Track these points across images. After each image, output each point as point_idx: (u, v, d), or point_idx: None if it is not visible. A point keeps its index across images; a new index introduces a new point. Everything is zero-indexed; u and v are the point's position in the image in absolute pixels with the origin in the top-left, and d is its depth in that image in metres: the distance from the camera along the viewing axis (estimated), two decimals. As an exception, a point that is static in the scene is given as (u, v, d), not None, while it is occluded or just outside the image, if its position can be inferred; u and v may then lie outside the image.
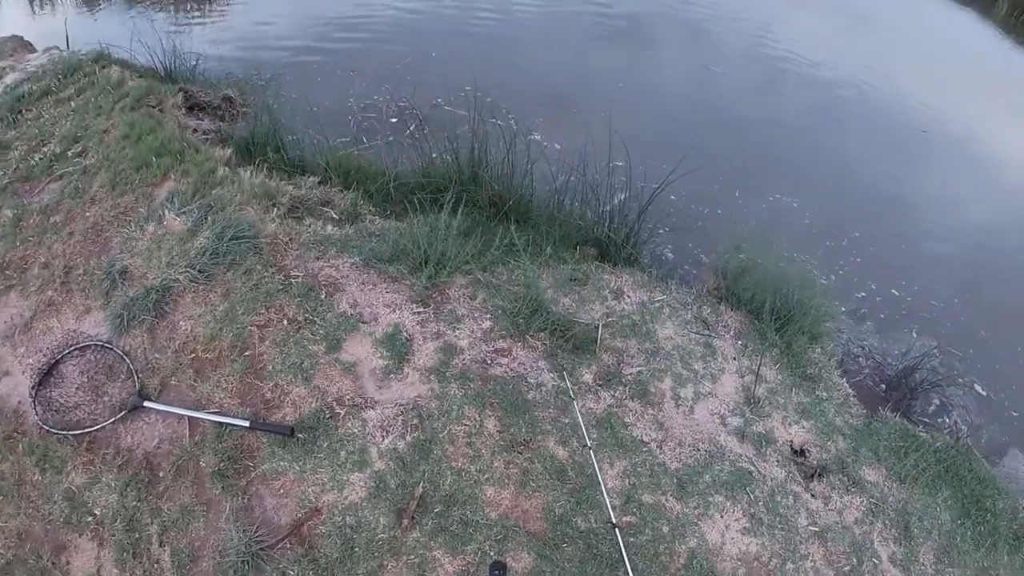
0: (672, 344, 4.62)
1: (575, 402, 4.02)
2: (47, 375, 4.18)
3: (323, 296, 4.49)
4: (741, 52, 10.04)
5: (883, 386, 5.30)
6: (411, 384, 4.17)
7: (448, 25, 9.73)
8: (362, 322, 4.39)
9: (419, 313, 4.48)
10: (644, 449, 4.07)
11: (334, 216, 5.15)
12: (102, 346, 4.26)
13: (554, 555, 3.63)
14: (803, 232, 6.38)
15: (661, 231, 5.47)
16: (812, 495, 4.20)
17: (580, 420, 3.91)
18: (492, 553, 3.60)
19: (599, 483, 3.67)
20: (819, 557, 3.98)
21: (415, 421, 3.97)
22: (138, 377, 4.13)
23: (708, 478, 4.05)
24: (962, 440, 4.77)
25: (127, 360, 4.19)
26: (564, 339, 4.41)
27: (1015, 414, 5.38)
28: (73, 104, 5.82)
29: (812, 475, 4.31)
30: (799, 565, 3.91)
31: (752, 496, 4.04)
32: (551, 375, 4.26)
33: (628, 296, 4.87)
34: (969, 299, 6.25)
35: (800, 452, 4.40)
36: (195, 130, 6.01)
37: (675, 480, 3.99)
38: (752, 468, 4.16)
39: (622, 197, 5.53)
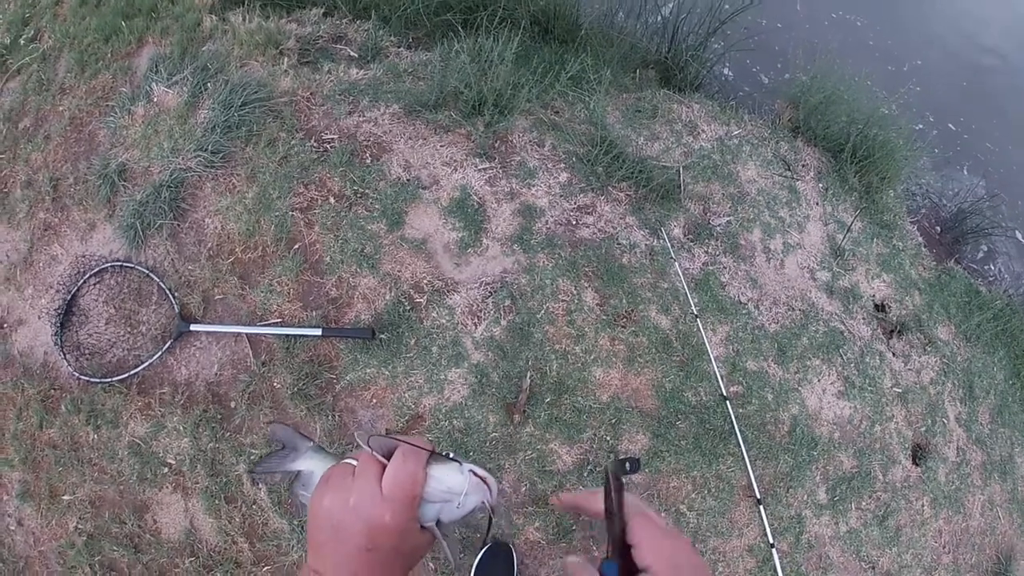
0: (756, 188, 4.50)
1: (676, 263, 3.89)
2: (67, 315, 3.72)
3: (368, 161, 3.96)
4: None
5: (938, 228, 5.47)
6: (493, 258, 3.86)
7: None
8: (422, 188, 3.93)
9: (485, 169, 4.05)
10: (743, 311, 4.06)
11: (353, 54, 4.48)
12: (121, 266, 3.75)
13: (668, 433, 3.68)
14: (865, 54, 6.22)
15: (716, 45, 5.13)
16: (894, 354, 4.40)
17: (684, 284, 3.81)
18: (608, 438, 3.59)
19: (707, 354, 3.67)
20: (901, 419, 4.26)
21: (507, 302, 3.73)
22: (174, 296, 3.68)
23: (805, 340, 4.13)
24: (1013, 298, 5.09)
25: (155, 278, 3.70)
26: (648, 188, 4.18)
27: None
28: (11, -21, 4.79)
29: (892, 332, 4.49)
30: (885, 427, 4.18)
31: (845, 358, 4.19)
32: (642, 233, 4.08)
33: (703, 131, 4.64)
34: None
35: (881, 308, 4.55)
36: None
37: (775, 344, 4.05)
38: (843, 327, 4.27)
39: (671, 6, 5.14)
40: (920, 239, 5.01)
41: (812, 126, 4.87)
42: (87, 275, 3.76)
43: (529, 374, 3.61)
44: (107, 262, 3.78)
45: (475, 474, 0.96)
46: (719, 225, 4.25)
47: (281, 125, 4.00)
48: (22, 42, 4.50)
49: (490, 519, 1.05)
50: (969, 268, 5.37)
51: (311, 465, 1.05)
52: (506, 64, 4.19)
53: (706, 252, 4.16)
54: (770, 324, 4.09)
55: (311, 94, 4.17)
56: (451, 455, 0.96)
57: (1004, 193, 5.91)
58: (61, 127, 4.13)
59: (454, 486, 0.94)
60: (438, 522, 0.96)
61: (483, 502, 0.99)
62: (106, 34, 4.35)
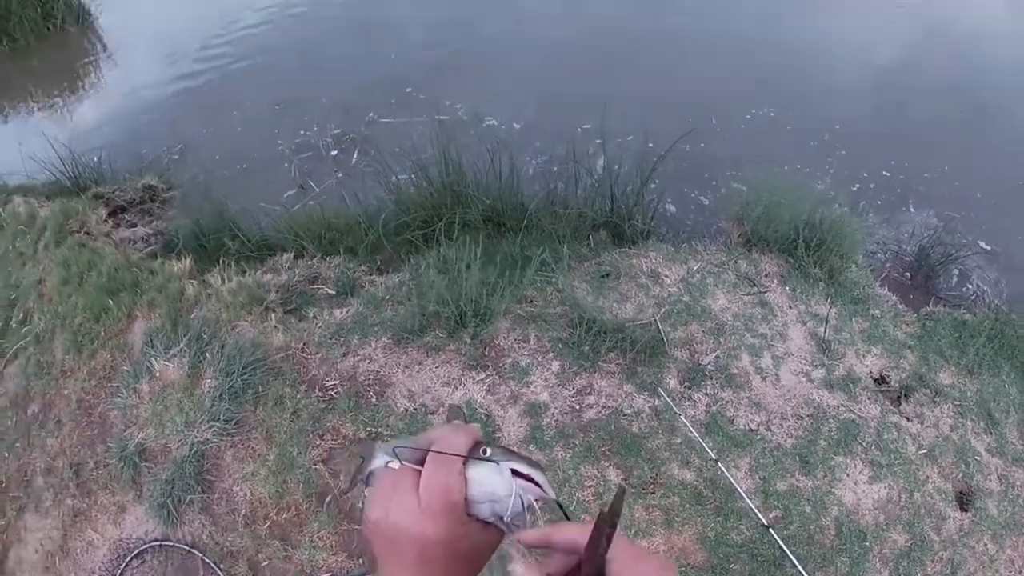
0: (731, 314, 4.86)
1: (681, 416, 4.20)
2: (116, 603, 3.93)
3: (373, 399, 4.35)
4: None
5: (907, 274, 5.79)
6: (514, 465, 4.17)
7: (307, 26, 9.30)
8: (430, 413, 4.29)
9: (482, 380, 4.43)
10: (757, 438, 4.34)
11: (330, 291, 4.95)
12: (160, 545, 4.01)
13: (726, 579, 3.91)
14: (787, 139, 6.71)
15: (651, 185, 5.56)
16: (907, 419, 4.65)
17: (695, 433, 4.11)
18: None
19: (737, 491, 3.93)
20: (936, 476, 4.47)
21: (539, 504, 4.00)
22: (220, 569, 3.93)
23: (822, 443, 4.39)
24: (1001, 308, 5.38)
25: (197, 553, 3.97)
26: (634, 351, 4.53)
27: (1025, 262, 6.06)
28: (-12, 262, 5.23)
29: (899, 398, 4.76)
30: (923, 490, 4.38)
31: (864, 444, 4.44)
32: (642, 397, 4.41)
33: (666, 276, 5.03)
34: (960, 163, 6.84)
35: (881, 380, 4.82)
36: (131, 241, 5.56)
37: (797, 457, 4.31)
38: (853, 415, 4.54)
39: (601, 163, 5.62)
40: (894, 298, 5.32)
41: (762, 234, 5.26)
42: (128, 558, 3.96)
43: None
44: (145, 543, 4.00)
45: (517, 472, 0.92)
46: (709, 363, 4.59)
47: (284, 381, 4.37)
48: (13, 325, 4.83)
49: (561, 508, 1.02)
50: (948, 298, 5.64)
51: (377, 464, 1.00)
52: (474, 272, 4.60)
53: (705, 394, 4.48)
54: (786, 440, 4.37)
55: (304, 344, 4.57)
56: (488, 452, 0.93)
57: (954, 212, 6.28)
58: (70, 411, 4.43)
59: (496, 487, 0.91)
60: (502, 519, 0.92)
61: (534, 499, 0.95)
62: (95, 312, 4.68)
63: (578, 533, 0.86)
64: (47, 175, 6.38)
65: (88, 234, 5.44)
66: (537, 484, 0.94)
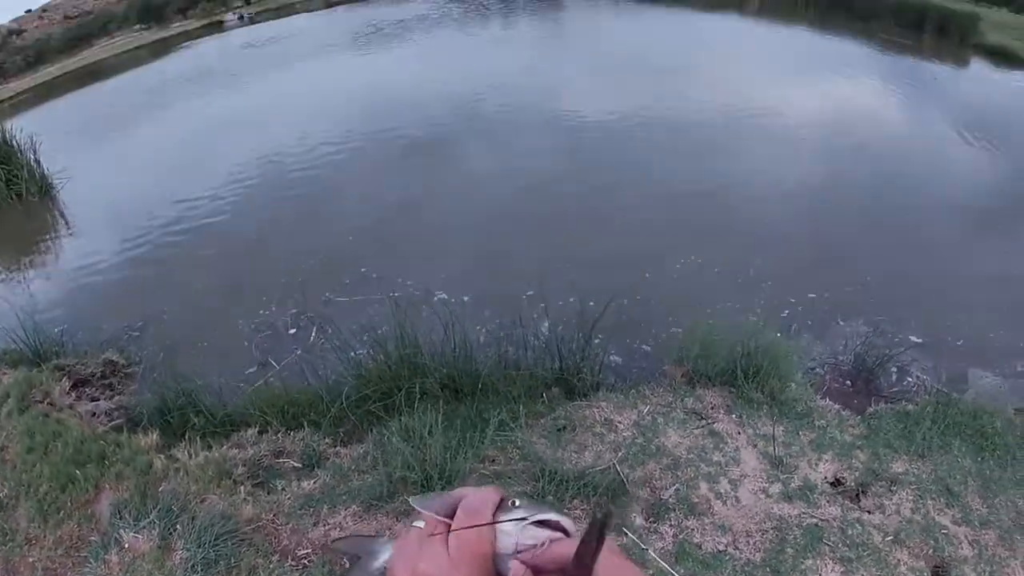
0: (684, 448, 5.20)
1: (648, 550, 4.44)
2: None
3: (347, 565, 4.48)
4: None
5: (847, 382, 6.20)
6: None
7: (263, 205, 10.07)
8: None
9: (453, 538, 4.65)
10: (727, 558, 4.56)
11: (296, 464, 5.24)
12: None
13: None
14: (717, 280, 7.34)
15: (595, 340, 6.03)
16: (869, 512, 4.89)
17: (664, 565, 4.34)
18: None
19: (715, 613, 4.13)
20: (906, 556, 4.61)
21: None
22: None
23: (790, 551, 4.60)
24: (941, 391, 5.76)
25: None
26: (597, 495, 4.82)
27: (959, 343, 6.53)
28: (-51, 429, 5.39)
29: (857, 495, 5.01)
30: (896, 573, 4.52)
31: (831, 544, 4.64)
32: (608, 537, 4.63)
33: (619, 423, 5.40)
34: (878, 270, 7.53)
35: (837, 482, 5.10)
36: (94, 414, 5.81)
37: (768, 569, 4.51)
38: (815, 520, 4.78)
39: (546, 325, 6.13)
40: (836, 406, 5.70)
41: (703, 371, 5.72)
42: None
43: None
44: None
45: (546, 523, 0.93)
46: (669, 496, 4.87)
47: (256, 552, 4.47)
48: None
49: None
50: (892, 395, 6.02)
51: (378, 564, 1.01)
52: (436, 438, 4.94)
53: (670, 525, 4.73)
54: (754, 555, 4.59)
55: (274, 515, 4.75)
56: (517, 503, 0.94)
57: (881, 315, 6.83)
58: (36, 579, 4.43)
59: (525, 539, 0.90)
60: None
61: None
62: (62, 482, 4.74)
63: (568, 548, 0.89)
64: (7, 343, 6.66)
65: (52, 405, 5.62)
66: (566, 532, 0.95)
